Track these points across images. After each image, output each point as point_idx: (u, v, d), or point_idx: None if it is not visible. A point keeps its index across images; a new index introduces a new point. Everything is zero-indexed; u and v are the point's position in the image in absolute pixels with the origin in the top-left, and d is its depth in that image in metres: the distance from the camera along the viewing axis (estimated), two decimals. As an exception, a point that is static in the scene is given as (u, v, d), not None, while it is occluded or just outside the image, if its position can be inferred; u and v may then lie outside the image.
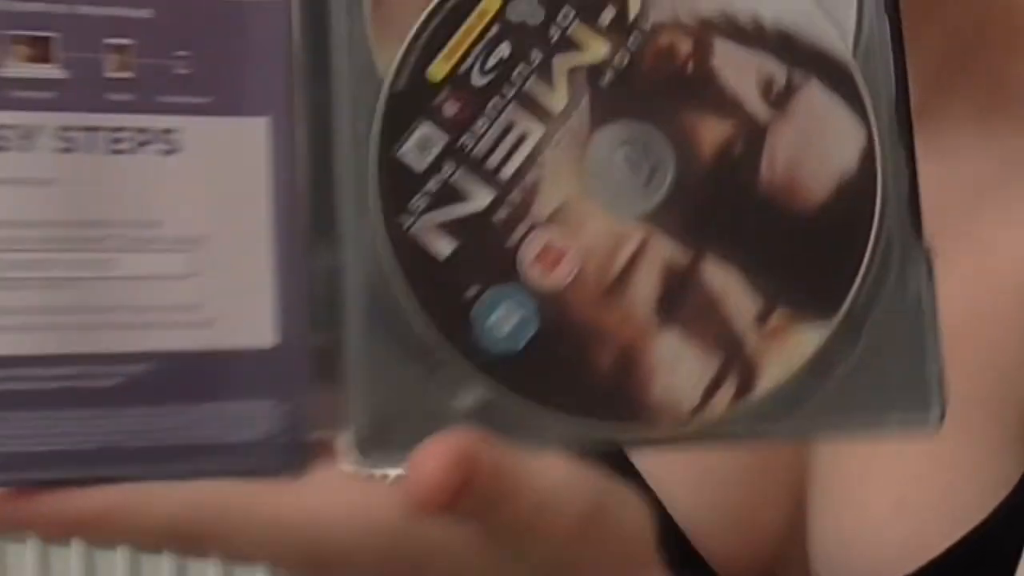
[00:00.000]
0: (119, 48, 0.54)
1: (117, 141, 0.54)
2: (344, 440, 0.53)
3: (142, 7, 0.55)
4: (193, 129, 0.54)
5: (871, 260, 0.55)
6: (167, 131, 0.54)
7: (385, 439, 0.53)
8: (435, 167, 0.54)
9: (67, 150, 0.53)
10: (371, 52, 0.55)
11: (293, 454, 0.53)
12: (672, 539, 0.79)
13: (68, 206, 0.53)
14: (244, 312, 0.54)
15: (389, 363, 0.53)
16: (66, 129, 0.53)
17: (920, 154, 0.57)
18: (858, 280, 0.55)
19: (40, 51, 0.53)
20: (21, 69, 0.53)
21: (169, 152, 0.54)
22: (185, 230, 0.54)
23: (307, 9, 0.55)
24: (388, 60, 0.55)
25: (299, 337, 0.54)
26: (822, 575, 0.83)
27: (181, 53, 0.55)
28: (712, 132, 0.55)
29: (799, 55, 0.56)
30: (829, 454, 0.83)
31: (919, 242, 0.56)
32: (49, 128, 0.53)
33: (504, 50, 0.55)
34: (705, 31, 0.56)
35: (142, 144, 0.54)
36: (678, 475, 0.83)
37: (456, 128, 0.54)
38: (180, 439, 0.52)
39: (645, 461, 0.81)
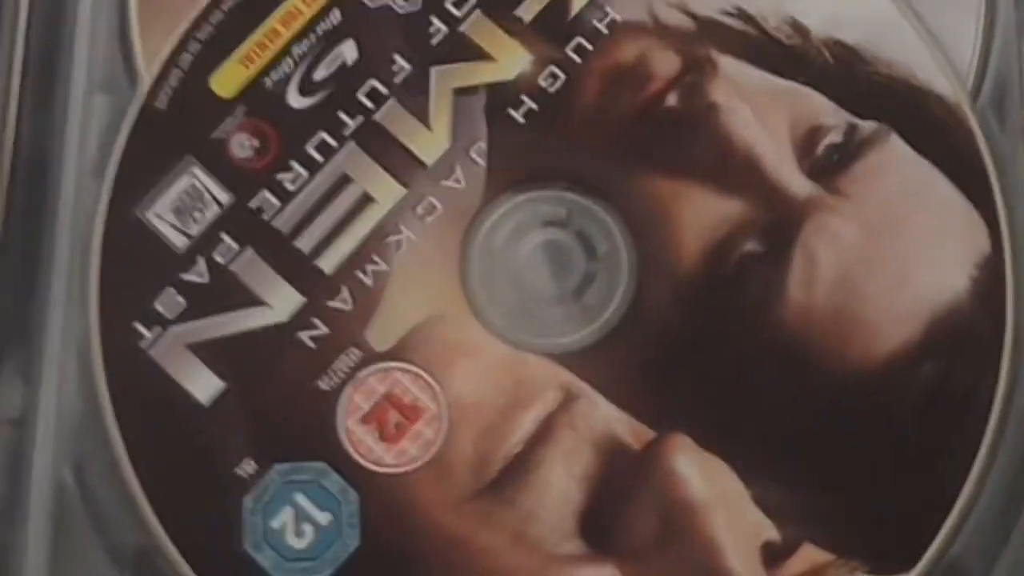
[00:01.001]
0: None
1: None
2: None
3: None
4: None
5: (986, 469, 0.33)
6: None
7: None
8: (205, 244, 0.34)
9: None
10: (130, 46, 0.35)
11: None
12: None
13: None
14: None
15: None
16: None
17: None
18: (957, 509, 0.33)
19: None
20: None
21: None
22: None
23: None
24: (153, 62, 0.35)
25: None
26: None
27: None
28: (705, 219, 0.34)
29: (872, 91, 0.35)
30: None
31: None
32: None
33: (347, 52, 0.35)
34: (705, 39, 0.35)
35: None
36: None
37: (248, 179, 0.34)
38: None
39: None
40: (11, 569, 0.35)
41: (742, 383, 0.34)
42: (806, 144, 0.35)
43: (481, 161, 0.35)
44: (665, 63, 0.36)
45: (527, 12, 0.36)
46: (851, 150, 0.35)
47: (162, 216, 0.35)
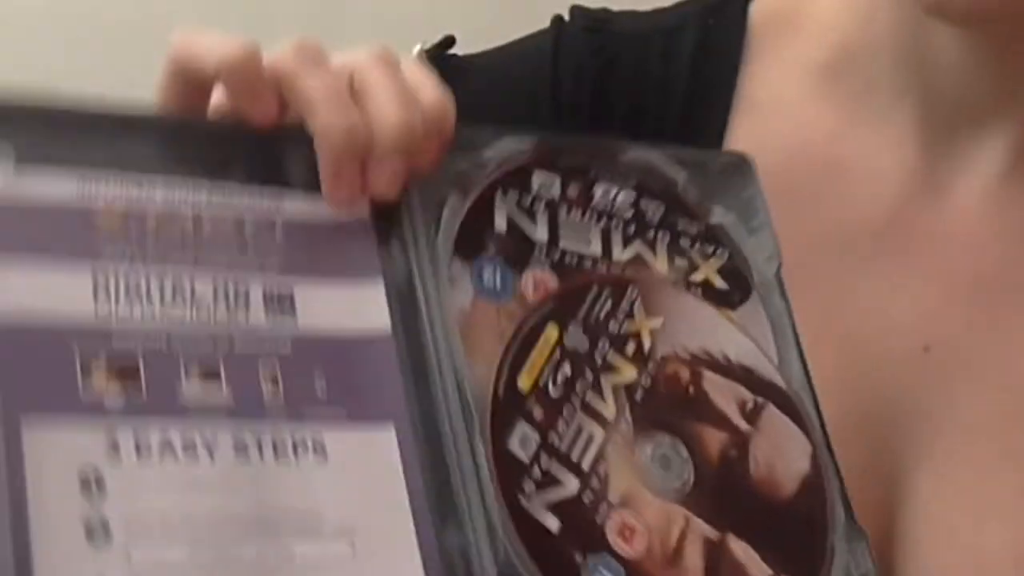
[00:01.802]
0: (270, 376, 0.71)
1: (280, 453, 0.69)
2: None
3: (283, 347, 0.71)
4: (334, 440, 0.71)
5: (831, 542, 0.79)
6: (316, 443, 0.70)
7: None
8: (536, 458, 0.72)
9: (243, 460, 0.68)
10: (465, 372, 0.73)
11: None
12: None
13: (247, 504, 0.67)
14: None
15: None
16: (240, 443, 0.69)
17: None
18: (827, 555, 0.79)
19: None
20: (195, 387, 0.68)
21: (320, 462, 0.69)
22: (343, 522, 0.69)
23: (408, 341, 0.74)
24: (478, 376, 0.73)
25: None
26: None
27: (318, 380, 0.71)
28: (714, 440, 0.78)
29: (758, 385, 0.81)
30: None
31: (856, 525, 0.81)
32: (226, 440, 0.68)
33: (567, 370, 0.76)
34: (696, 363, 0.79)
35: (297, 455, 0.69)
36: None
37: (544, 428, 0.74)
38: None
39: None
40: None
41: (746, 504, 0.78)
42: (741, 406, 0.80)
43: (629, 417, 0.77)
44: (683, 372, 0.79)
45: (629, 349, 0.78)
46: (757, 410, 0.81)
47: (514, 446, 0.73)
